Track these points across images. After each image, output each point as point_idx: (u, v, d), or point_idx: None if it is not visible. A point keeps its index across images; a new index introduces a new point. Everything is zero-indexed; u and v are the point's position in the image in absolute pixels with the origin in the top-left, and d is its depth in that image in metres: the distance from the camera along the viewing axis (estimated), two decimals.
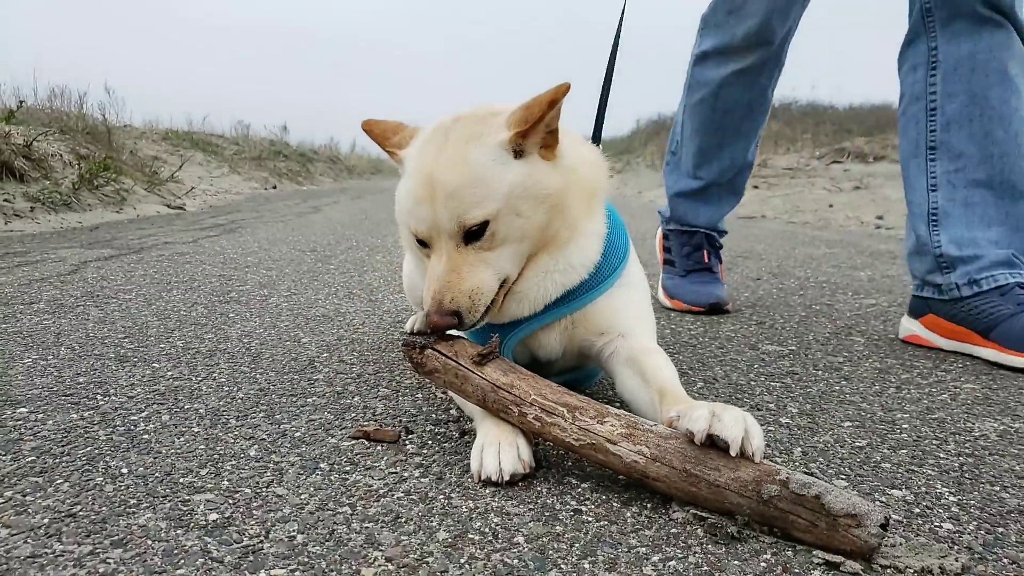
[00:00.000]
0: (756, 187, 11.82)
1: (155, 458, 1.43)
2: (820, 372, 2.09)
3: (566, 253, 1.54)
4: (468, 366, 1.43)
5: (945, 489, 1.33)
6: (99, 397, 1.78)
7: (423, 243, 1.50)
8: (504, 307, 1.53)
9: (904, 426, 1.66)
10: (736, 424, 1.15)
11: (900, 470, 1.42)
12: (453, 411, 1.73)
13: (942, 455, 1.49)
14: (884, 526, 1.05)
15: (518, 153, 1.44)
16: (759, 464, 1.15)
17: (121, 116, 11.76)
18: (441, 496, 1.28)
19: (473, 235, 1.42)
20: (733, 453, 1.14)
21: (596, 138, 1.97)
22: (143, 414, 1.67)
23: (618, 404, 1.78)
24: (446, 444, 1.53)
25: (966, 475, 1.40)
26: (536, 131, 1.43)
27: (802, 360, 2.22)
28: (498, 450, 1.35)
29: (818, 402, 1.82)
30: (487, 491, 1.30)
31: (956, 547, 1.12)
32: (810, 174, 12.33)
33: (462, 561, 1.07)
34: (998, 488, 1.34)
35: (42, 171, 7.24)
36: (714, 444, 1.16)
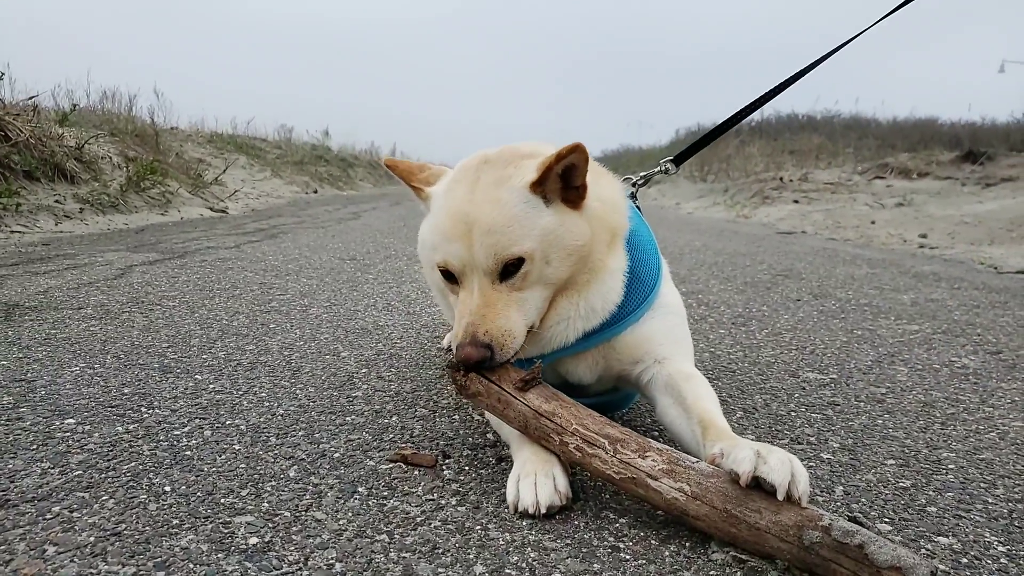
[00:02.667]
0: (796, 201, 11.67)
1: (197, 476, 1.45)
2: (862, 404, 2.05)
3: (587, 296, 1.55)
4: (511, 391, 1.44)
5: (994, 538, 1.30)
6: (143, 410, 1.82)
7: (450, 278, 1.52)
8: (525, 350, 1.53)
9: (951, 466, 1.62)
10: (783, 467, 1.14)
11: (947, 515, 1.38)
12: (490, 435, 1.73)
13: (990, 500, 1.46)
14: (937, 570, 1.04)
15: (547, 200, 1.47)
16: (802, 508, 1.13)
17: (168, 119, 12.05)
18: (478, 527, 1.28)
19: (507, 273, 1.44)
20: (780, 497, 1.12)
21: (680, 159, 2.18)
22: (186, 429, 1.70)
23: (656, 433, 1.77)
24: (483, 471, 1.53)
25: (1015, 523, 1.36)
26: (547, 182, 1.45)
27: (843, 390, 2.18)
28: (535, 481, 1.35)
29: (860, 437, 1.79)
30: (524, 523, 1.30)
31: None
32: (852, 189, 12.12)
33: None
34: None
35: (92, 173, 7.43)
36: (759, 486, 1.15)
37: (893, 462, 1.64)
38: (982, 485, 1.53)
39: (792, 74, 2.28)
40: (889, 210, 10.03)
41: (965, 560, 1.22)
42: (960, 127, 18.76)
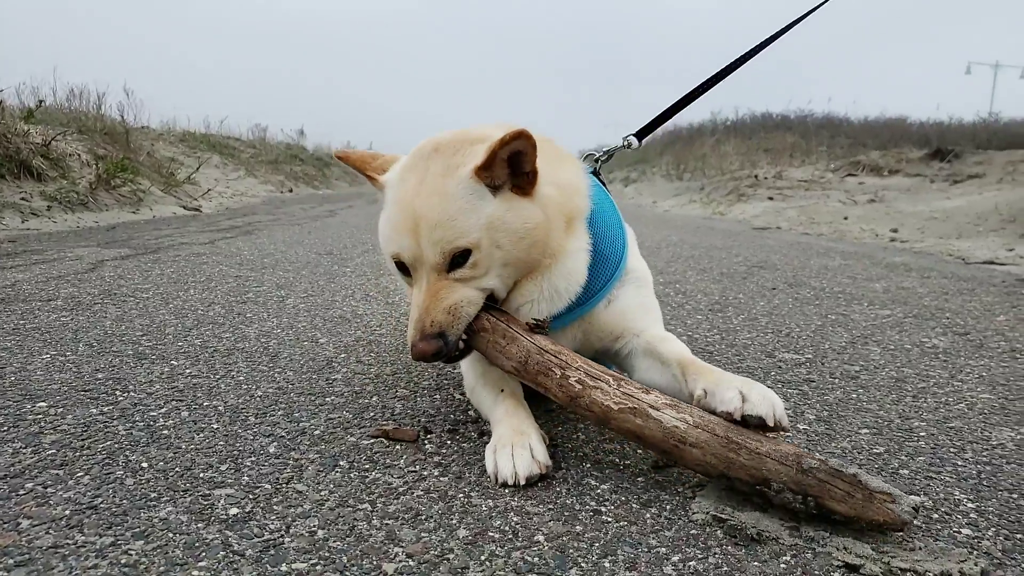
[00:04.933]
0: (771, 198, 11.79)
1: (175, 453, 1.44)
2: (837, 380, 2.08)
3: (551, 278, 1.54)
4: (518, 330, 1.46)
5: (963, 496, 1.33)
6: (118, 393, 1.80)
7: (404, 271, 1.51)
8: None
9: (921, 434, 1.65)
10: (764, 401, 1.24)
11: (918, 477, 1.41)
12: (471, 412, 1.73)
13: (960, 463, 1.49)
14: (916, 509, 1.11)
15: (494, 189, 1.44)
16: (797, 446, 1.22)
17: (139, 117, 11.85)
18: (460, 495, 1.29)
19: (456, 264, 1.43)
20: (770, 424, 1.22)
21: (642, 134, 2.18)
22: (162, 410, 1.69)
23: None
24: (465, 444, 1.53)
25: (984, 483, 1.39)
26: (494, 168, 1.42)
27: (818, 368, 2.21)
28: (511, 452, 1.35)
29: (835, 409, 1.82)
30: (506, 491, 1.31)
31: (975, 552, 1.12)
32: (825, 186, 12.27)
33: (483, 558, 1.07)
34: (1016, 496, 1.33)
35: (60, 170, 7.31)
36: (744, 421, 1.24)
37: (867, 431, 1.66)
38: (951, 450, 1.56)
39: (751, 47, 2.32)
40: (861, 206, 10.17)
41: (936, 516, 1.24)
42: (928, 126, 19.09)
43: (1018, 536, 1.17)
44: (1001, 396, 1.96)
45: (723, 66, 2.33)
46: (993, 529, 1.20)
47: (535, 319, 1.48)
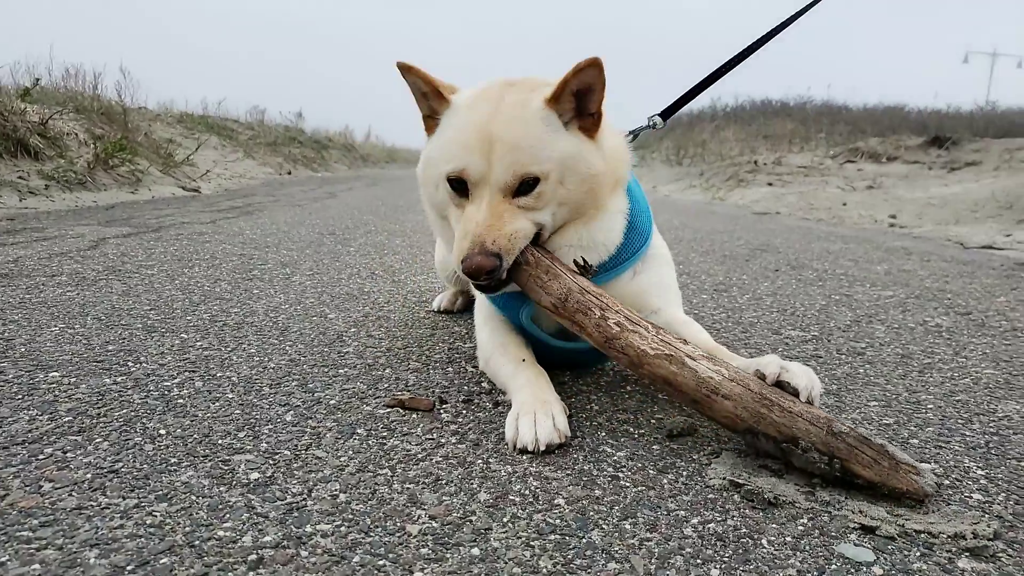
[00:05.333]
0: (771, 184, 11.79)
1: (192, 421, 1.45)
2: (844, 356, 2.10)
3: (591, 229, 1.59)
4: (562, 268, 1.49)
5: (973, 464, 1.35)
6: (130, 364, 1.80)
7: (459, 190, 1.52)
8: None
9: (929, 406, 1.67)
10: (805, 374, 1.26)
11: (928, 446, 1.43)
12: (485, 383, 1.74)
13: (968, 433, 1.51)
14: (938, 484, 1.16)
15: (566, 125, 1.49)
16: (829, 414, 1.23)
17: (136, 98, 11.76)
18: (479, 461, 1.30)
19: (521, 191, 1.47)
20: (803, 399, 1.23)
21: (667, 114, 2.16)
22: (176, 380, 1.69)
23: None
24: (480, 414, 1.54)
25: (992, 451, 1.41)
26: (562, 99, 1.47)
27: (825, 345, 2.23)
28: (534, 420, 1.37)
29: (844, 383, 1.83)
30: (524, 457, 1.32)
31: (987, 515, 1.13)
32: (824, 172, 12.28)
33: (505, 520, 1.09)
34: None
35: (57, 149, 7.27)
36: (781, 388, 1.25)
37: (876, 403, 1.68)
38: (959, 421, 1.58)
39: (772, 28, 2.32)
40: (860, 192, 10.19)
41: (947, 482, 1.26)
42: (926, 114, 19.10)
43: None
44: (1005, 372, 1.98)
45: (744, 47, 2.33)
46: (1004, 495, 1.22)
47: (583, 260, 1.52)
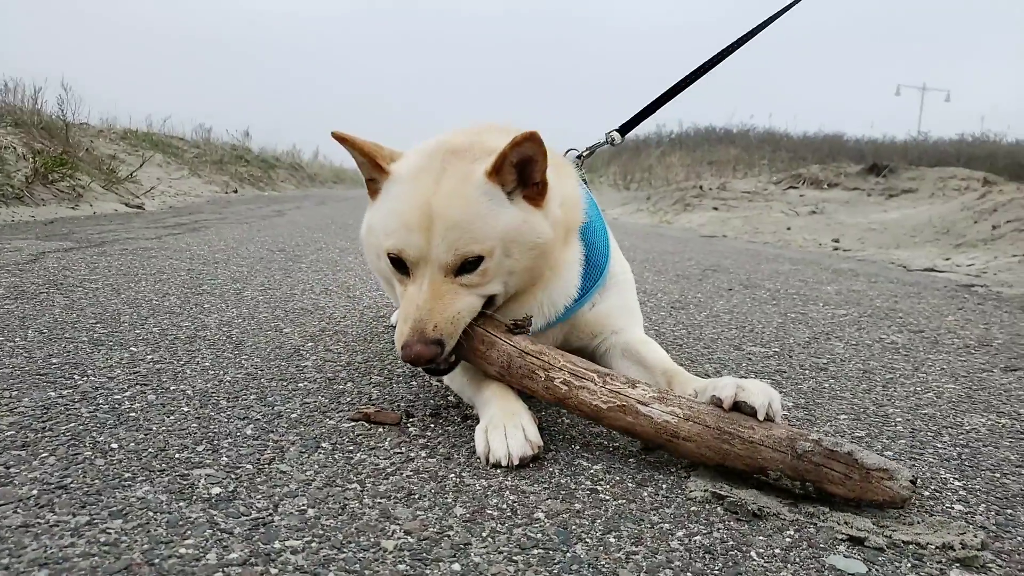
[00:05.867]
0: (716, 208, 12.02)
1: (146, 435, 1.37)
2: (807, 371, 2.11)
3: (549, 291, 1.55)
4: (496, 333, 1.43)
5: (949, 475, 1.35)
6: (76, 377, 1.70)
7: (400, 268, 1.45)
8: None
9: (898, 419, 1.69)
10: (762, 393, 1.22)
11: (903, 457, 1.43)
12: (451, 397, 1.69)
13: (939, 445, 1.52)
14: (913, 482, 1.13)
15: (510, 196, 1.42)
16: (791, 426, 1.21)
17: (78, 114, 11.37)
18: (452, 475, 1.25)
19: (465, 269, 1.39)
20: (760, 417, 1.19)
21: (624, 130, 2.18)
22: (126, 393, 1.60)
23: None
24: (449, 427, 1.49)
25: (966, 463, 1.42)
26: (503, 172, 1.40)
27: (788, 360, 2.24)
28: (504, 432, 1.32)
29: (811, 397, 1.84)
30: (498, 471, 1.28)
31: (972, 526, 1.13)
32: (768, 198, 12.58)
33: (484, 535, 1.04)
34: (999, 475, 1.36)
35: None
36: (739, 410, 1.22)
37: (845, 417, 1.69)
38: (929, 434, 1.59)
39: (729, 43, 2.35)
40: (803, 217, 10.45)
41: (927, 492, 1.26)
42: (864, 143, 19.85)
43: (1008, 512, 1.20)
44: (965, 387, 2.01)
45: (701, 63, 2.35)
46: (984, 505, 1.22)
47: (514, 320, 1.46)
